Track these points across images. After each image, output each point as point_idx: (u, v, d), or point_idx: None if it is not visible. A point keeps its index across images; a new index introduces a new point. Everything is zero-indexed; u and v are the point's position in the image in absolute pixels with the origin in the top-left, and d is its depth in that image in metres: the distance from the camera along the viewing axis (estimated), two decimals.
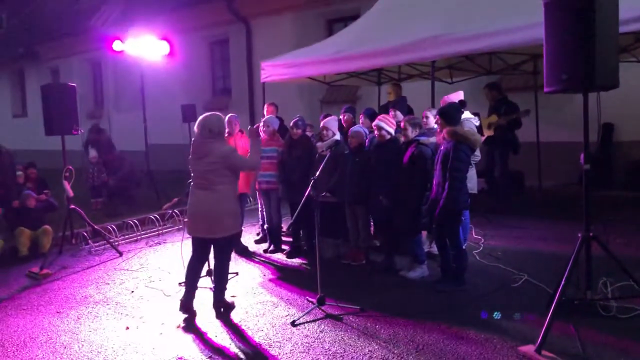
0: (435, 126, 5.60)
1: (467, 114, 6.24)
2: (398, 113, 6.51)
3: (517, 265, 5.70)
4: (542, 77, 4.12)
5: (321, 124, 6.69)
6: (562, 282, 3.92)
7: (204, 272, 5.41)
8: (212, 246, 4.94)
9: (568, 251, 4.21)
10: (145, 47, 10.50)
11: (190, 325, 4.63)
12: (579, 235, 4.07)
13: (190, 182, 4.96)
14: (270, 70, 8.73)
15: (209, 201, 4.74)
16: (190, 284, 4.88)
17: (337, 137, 6.44)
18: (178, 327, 4.62)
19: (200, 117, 4.81)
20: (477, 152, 5.74)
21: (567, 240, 6.45)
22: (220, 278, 4.95)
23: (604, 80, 3.75)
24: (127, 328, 4.67)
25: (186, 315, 4.78)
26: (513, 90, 9.96)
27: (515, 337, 4.04)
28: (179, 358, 4.04)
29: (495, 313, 4.43)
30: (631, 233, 6.66)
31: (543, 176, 9.62)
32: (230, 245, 5.07)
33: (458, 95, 6.43)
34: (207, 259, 5.11)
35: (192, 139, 4.88)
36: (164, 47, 10.82)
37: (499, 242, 6.80)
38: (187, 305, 4.82)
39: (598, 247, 4.09)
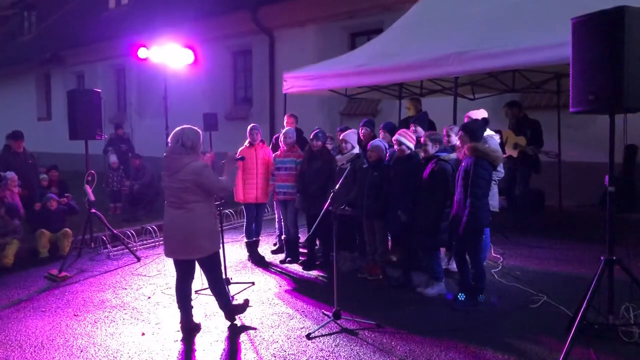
0: (457, 142, 5.57)
1: (488, 131, 6.20)
2: (419, 128, 6.50)
3: (536, 286, 5.63)
4: (566, 96, 4.09)
5: (340, 137, 6.70)
6: (584, 305, 3.85)
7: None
8: (195, 264, 4.70)
9: (588, 273, 4.16)
10: (169, 55, 10.63)
11: (191, 341, 4.52)
12: (602, 258, 4.01)
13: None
14: (292, 82, 8.78)
15: (182, 221, 4.45)
16: (183, 305, 4.68)
17: (357, 150, 6.44)
18: (176, 340, 4.62)
19: (175, 130, 4.51)
20: (501, 169, 5.70)
21: (587, 262, 6.41)
22: (219, 293, 4.79)
23: (632, 102, 3.69)
24: (143, 334, 4.69)
25: (186, 333, 4.62)
26: (536, 108, 9.88)
27: (534, 359, 3.98)
28: None
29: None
30: None
31: (564, 196, 9.50)
32: (216, 261, 4.73)
33: (481, 113, 6.40)
34: (192, 278, 4.77)
35: (164, 154, 4.55)
36: (188, 56, 10.94)
37: (518, 261, 6.72)
38: (187, 326, 4.66)
39: (620, 271, 4.02)
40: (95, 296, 5.76)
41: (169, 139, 4.55)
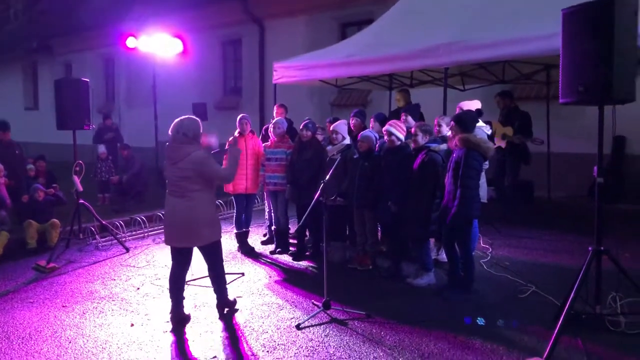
0: (448, 133, 5.58)
1: (480, 123, 6.21)
2: (409, 119, 6.49)
3: (525, 276, 5.67)
4: (555, 87, 4.10)
5: (330, 128, 6.68)
6: (572, 295, 3.89)
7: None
8: (192, 253, 4.75)
9: (576, 263, 4.19)
10: (158, 44, 10.55)
11: (181, 331, 4.51)
12: (590, 248, 4.04)
13: None
14: (282, 72, 8.74)
15: (184, 209, 4.51)
16: (176, 294, 4.69)
17: (348, 141, 6.43)
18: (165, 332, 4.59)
19: (176, 120, 4.58)
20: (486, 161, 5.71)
21: (576, 252, 6.46)
22: (218, 281, 4.84)
23: (621, 94, 3.72)
24: (132, 325, 4.67)
25: (177, 323, 4.62)
26: (525, 99, 9.93)
27: (522, 348, 4.01)
28: (182, 357, 4.03)
29: (499, 321, 4.37)
30: None
31: (552, 187, 9.57)
32: (218, 248, 4.82)
33: (475, 104, 6.39)
34: (188, 266, 4.83)
35: (166, 144, 4.62)
36: (177, 45, 10.87)
37: (507, 252, 6.76)
38: (177, 316, 4.66)
39: (607, 261, 4.06)
40: (83, 287, 5.73)
41: (169, 130, 4.60)
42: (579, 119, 9.08)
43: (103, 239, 7.62)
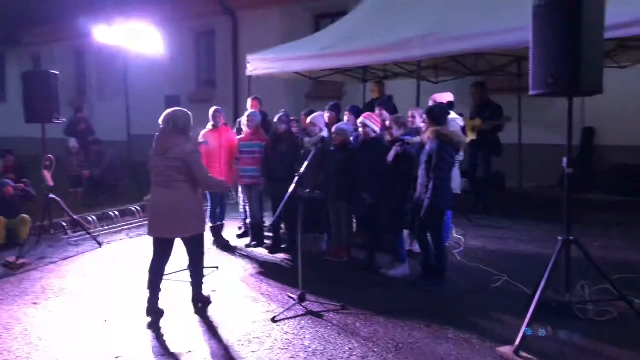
0: (421, 125, 5.61)
1: (452, 114, 6.27)
2: (384, 112, 6.51)
3: (497, 266, 5.75)
4: (526, 79, 4.16)
5: (308, 120, 6.67)
6: (542, 285, 3.96)
7: (184, 265, 5.38)
8: (174, 245, 4.75)
9: (547, 253, 4.27)
10: (130, 36, 10.37)
11: (157, 325, 4.50)
12: (560, 238, 4.11)
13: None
14: (256, 64, 8.69)
15: (170, 200, 4.53)
16: (154, 286, 4.67)
17: (324, 133, 6.43)
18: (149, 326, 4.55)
19: (166, 111, 4.62)
20: (461, 152, 5.77)
21: (547, 242, 6.57)
22: (197, 274, 4.85)
23: (589, 86, 3.79)
24: (105, 321, 4.61)
25: (152, 317, 4.60)
26: (497, 91, 10.03)
27: (494, 337, 4.08)
28: (158, 353, 4.00)
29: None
30: (610, 236, 6.76)
31: (524, 178, 9.72)
32: (201, 240, 4.86)
33: (447, 96, 6.45)
34: (169, 258, 4.80)
35: (155, 134, 4.64)
36: (149, 37, 10.70)
37: (480, 242, 6.86)
38: (153, 308, 4.64)
39: (577, 250, 4.14)
40: (55, 283, 5.64)
41: (159, 121, 4.62)
42: (550, 111, 9.24)
43: (75, 234, 7.50)
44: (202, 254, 4.89)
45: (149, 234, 4.72)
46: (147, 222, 4.76)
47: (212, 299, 4.97)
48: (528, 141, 9.61)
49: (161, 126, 4.60)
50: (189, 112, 4.71)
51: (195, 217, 4.67)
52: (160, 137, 4.59)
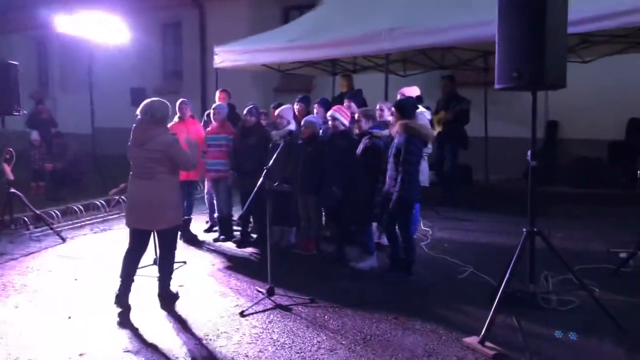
0: (390, 118, 5.64)
1: (420, 108, 6.31)
2: (353, 104, 6.52)
3: (463, 258, 5.83)
4: (492, 73, 4.21)
5: (275, 113, 6.63)
6: (507, 276, 4.03)
7: (151, 260, 5.31)
8: (152, 237, 4.79)
9: (512, 244, 4.33)
10: (93, 26, 10.13)
11: (125, 320, 4.44)
12: (524, 230, 4.19)
13: None
14: (224, 56, 8.59)
15: (150, 191, 4.53)
16: (127, 277, 4.63)
17: (292, 126, 6.40)
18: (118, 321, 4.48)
19: (144, 102, 4.60)
20: (429, 145, 5.82)
21: (512, 233, 6.66)
22: (166, 268, 4.81)
23: (553, 80, 3.85)
24: (70, 317, 4.51)
25: (120, 310, 4.55)
26: (464, 85, 10.14)
27: (460, 328, 4.13)
28: (124, 349, 3.94)
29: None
30: (572, 227, 6.93)
31: (490, 170, 9.87)
32: (176, 234, 4.88)
33: (414, 90, 6.50)
34: (145, 251, 4.81)
35: (133, 125, 4.62)
36: (114, 27, 10.46)
37: (447, 234, 6.95)
38: (122, 300, 4.58)
39: (541, 242, 4.22)
40: (16, 280, 5.48)
41: (137, 111, 4.60)
42: (515, 104, 9.39)
43: (37, 230, 7.31)
44: (174, 247, 4.87)
45: (127, 224, 4.72)
46: (124, 213, 4.76)
47: (179, 294, 4.91)
48: (494, 134, 9.76)
49: (138, 117, 4.58)
50: (167, 103, 4.71)
51: (174, 208, 4.69)
52: (138, 128, 4.56)
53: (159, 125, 4.57)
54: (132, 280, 4.68)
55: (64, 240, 6.94)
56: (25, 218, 7.39)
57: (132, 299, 4.73)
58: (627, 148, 9.16)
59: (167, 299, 4.80)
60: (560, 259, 4.18)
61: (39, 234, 7.22)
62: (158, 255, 4.89)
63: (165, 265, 4.81)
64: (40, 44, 19.23)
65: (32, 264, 6.01)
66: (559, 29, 3.83)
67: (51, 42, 18.06)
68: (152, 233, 4.77)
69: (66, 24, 10.10)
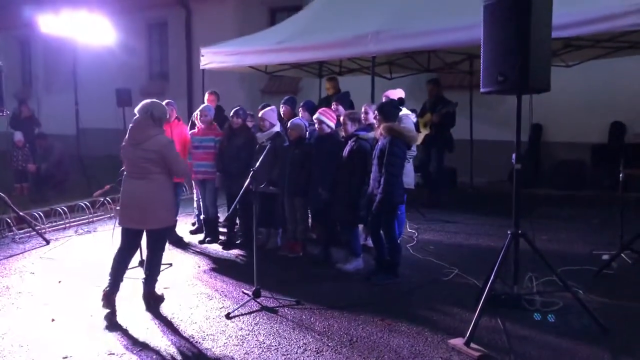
0: (374, 121, 5.67)
1: (405, 111, 6.35)
2: (340, 107, 6.54)
3: (449, 260, 5.87)
4: (478, 77, 4.25)
5: (259, 114, 6.63)
6: (492, 278, 4.06)
7: (136, 262, 5.27)
8: (143, 237, 4.78)
9: (497, 246, 4.38)
10: (78, 26, 10.04)
11: (112, 322, 4.41)
12: (509, 232, 4.22)
13: (123, 169, 4.77)
14: (211, 57, 8.57)
15: (143, 191, 4.56)
16: (116, 276, 4.61)
17: (277, 128, 6.40)
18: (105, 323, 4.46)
19: (143, 102, 4.63)
20: (413, 148, 5.86)
21: (496, 235, 6.76)
22: (152, 269, 4.79)
23: (537, 84, 3.89)
24: (53, 320, 4.47)
25: (108, 311, 4.50)
26: (449, 88, 10.23)
27: (446, 330, 4.16)
28: (108, 352, 3.91)
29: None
30: (555, 230, 7.00)
31: (475, 173, 9.95)
32: (165, 235, 4.91)
33: (398, 93, 6.53)
34: (136, 250, 4.91)
35: (130, 124, 4.65)
36: (99, 28, 10.39)
37: (432, 236, 6.99)
38: (110, 300, 4.53)
39: (525, 243, 4.26)
40: None
41: (135, 110, 4.63)
42: (500, 108, 9.48)
43: (21, 231, 7.23)
44: (162, 249, 4.87)
45: (120, 223, 4.72)
46: (118, 212, 4.77)
47: (165, 296, 4.88)
48: (479, 137, 9.84)
49: (137, 116, 4.60)
50: (165, 106, 4.83)
51: (167, 208, 4.72)
52: (135, 127, 4.57)
53: (157, 125, 4.61)
54: (122, 280, 4.66)
55: (47, 242, 6.87)
56: (9, 220, 7.30)
57: (117, 301, 4.70)
58: (610, 151, 9.28)
59: (153, 301, 4.78)
60: (544, 261, 4.23)
61: (22, 236, 7.14)
62: (145, 256, 4.86)
63: (152, 266, 4.79)
64: (23, 43, 19.04)
65: (15, 266, 5.95)
66: (543, 34, 3.87)
67: (35, 42, 17.90)
68: (143, 233, 4.75)
69: (50, 24, 10.01)
